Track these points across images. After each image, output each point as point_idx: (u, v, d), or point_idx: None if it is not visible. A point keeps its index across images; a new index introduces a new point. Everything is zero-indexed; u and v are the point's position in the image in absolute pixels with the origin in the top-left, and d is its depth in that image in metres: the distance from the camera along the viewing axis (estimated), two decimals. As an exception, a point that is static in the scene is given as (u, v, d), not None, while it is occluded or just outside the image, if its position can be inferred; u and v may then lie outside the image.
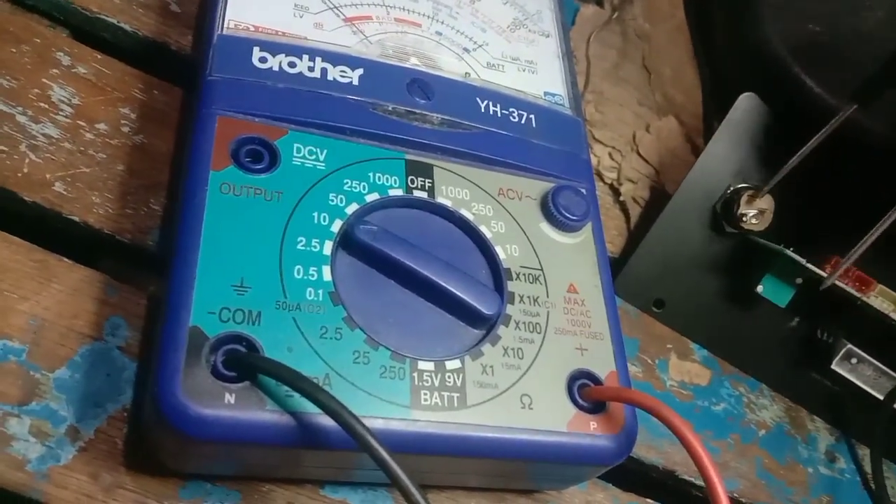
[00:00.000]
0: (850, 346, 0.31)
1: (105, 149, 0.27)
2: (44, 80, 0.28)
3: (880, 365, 0.31)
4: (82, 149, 0.27)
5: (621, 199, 0.35)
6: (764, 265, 0.31)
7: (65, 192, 0.26)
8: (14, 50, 0.28)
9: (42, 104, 0.27)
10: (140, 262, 0.26)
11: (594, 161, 0.35)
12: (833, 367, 0.31)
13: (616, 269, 0.33)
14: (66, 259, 0.25)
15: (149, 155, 0.28)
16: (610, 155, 0.36)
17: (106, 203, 0.26)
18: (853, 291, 0.29)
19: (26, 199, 0.25)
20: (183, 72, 0.30)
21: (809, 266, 0.30)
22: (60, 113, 0.27)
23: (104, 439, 0.23)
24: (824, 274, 0.29)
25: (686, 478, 0.30)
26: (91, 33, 0.31)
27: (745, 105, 0.31)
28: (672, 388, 0.32)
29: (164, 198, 0.27)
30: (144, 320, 0.25)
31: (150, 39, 0.30)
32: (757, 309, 0.32)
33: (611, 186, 0.35)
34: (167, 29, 0.31)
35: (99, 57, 0.29)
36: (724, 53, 0.40)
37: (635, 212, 0.35)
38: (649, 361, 0.32)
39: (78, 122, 0.27)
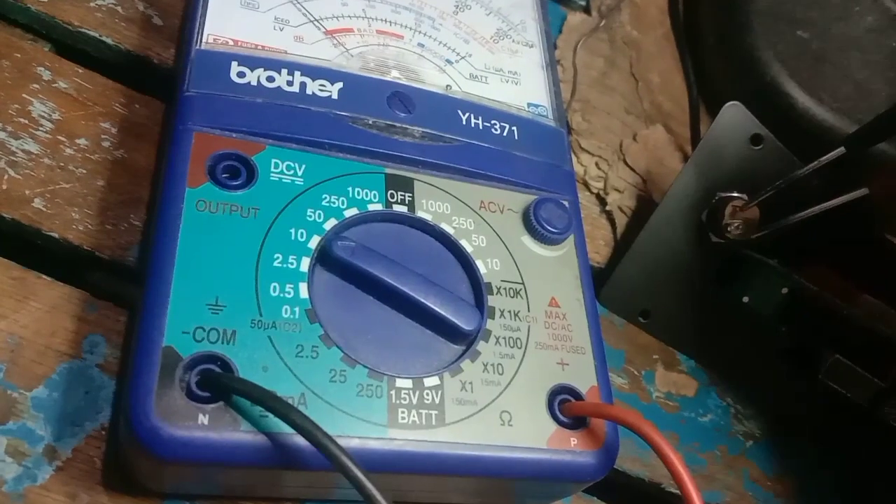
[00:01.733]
0: (837, 356, 0.31)
1: (85, 164, 0.27)
2: (24, 95, 0.28)
3: (867, 375, 0.31)
4: (62, 164, 0.27)
5: (608, 208, 0.35)
6: (750, 275, 0.31)
7: (44, 209, 0.26)
8: (-7, 65, 0.28)
9: (22, 119, 0.27)
10: (120, 278, 0.26)
11: (581, 170, 0.35)
12: (820, 377, 0.31)
13: (603, 279, 0.33)
14: (45, 276, 0.25)
15: (129, 170, 0.28)
16: (597, 164, 0.35)
17: (86, 219, 0.26)
18: (839, 302, 0.29)
19: (5, 215, 0.25)
20: (165, 85, 0.30)
21: (795, 276, 0.29)
22: (40, 128, 0.27)
23: (82, 459, 0.23)
24: (813, 287, 0.29)
25: (672, 490, 0.30)
26: (73, 47, 0.30)
27: (730, 114, 0.31)
28: (658, 400, 0.31)
29: (145, 213, 0.27)
30: (123, 337, 0.25)
31: (132, 53, 0.30)
32: (743, 319, 0.32)
33: (597, 196, 0.35)
34: (149, 42, 0.31)
35: (80, 71, 0.29)
36: (712, 60, 0.40)
37: (622, 221, 0.34)
38: (635, 372, 0.32)
39: (58, 137, 0.27)
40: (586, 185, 0.35)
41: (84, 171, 0.27)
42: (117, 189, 0.27)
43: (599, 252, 0.34)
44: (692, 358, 0.33)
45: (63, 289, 0.25)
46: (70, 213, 0.26)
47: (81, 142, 0.28)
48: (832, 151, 0.27)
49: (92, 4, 0.31)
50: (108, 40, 0.30)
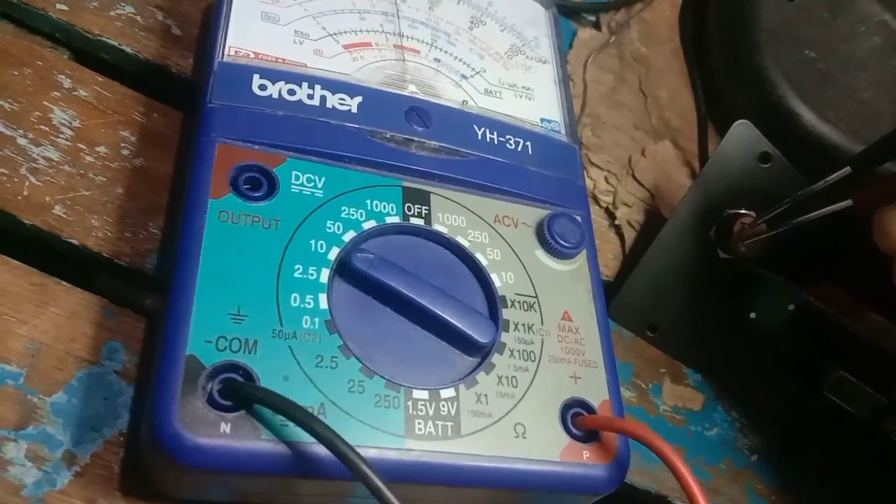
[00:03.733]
0: (842, 371, 0.31)
1: (105, 172, 0.27)
2: (45, 102, 0.28)
3: (871, 391, 0.31)
4: (82, 172, 0.27)
5: (616, 222, 0.35)
6: (757, 291, 0.31)
7: (64, 216, 0.26)
8: (16, 73, 0.28)
9: (43, 127, 0.27)
10: (138, 284, 0.26)
11: (590, 185, 0.36)
12: (825, 392, 0.32)
13: (612, 293, 0.33)
14: (64, 282, 0.25)
15: (148, 178, 0.28)
16: (606, 179, 0.36)
17: (105, 226, 0.27)
18: (844, 318, 0.29)
19: (26, 221, 0.26)
20: (183, 95, 0.30)
21: (802, 293, 0.30)
22: (61, 136, 0.28)
23: (100, 464, 0.23)
24: (820, 304, 0.29)
25: (679, 503, 0.30)
26: (93, 55, 0.31)
27: (739, 133, 0.31)
28: (665, 413, 0.32)
29: (163, 221, 0.27)
30: (142, 344, 0.25)
31: (150, 62, 0.31)
32: (750, 334, 0.32)
33: (606, 210, 0.35)
34: (168, 52, 0.31)
35: (100, 80, 0.29)
36: (720, 77, 0.41)
37: (630, 236, 0.35)
38: (643, 386, 0.32)
39: (78, 144, 0.28)
40: (596, 200, 0.36)
41: (104, 179, 0.27)
42: (136, 197, 0.27)
43: (608, 266, 0.34)
44: (699, 372, 0.33)
45: (83, 295, 0.25)
46: (90, 219, 0.26)
47: (101, 149, 0.28)
48: (838, 171, 0.28)
49: (112, 13, 0.31)
50: (128, 49, 0.31)
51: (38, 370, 0.24)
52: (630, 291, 0.33)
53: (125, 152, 0.28)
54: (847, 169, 0.27)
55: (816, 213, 0.28)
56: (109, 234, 0.27)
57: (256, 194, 0.24)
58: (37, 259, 0.26)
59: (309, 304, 0.22)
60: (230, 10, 0.27)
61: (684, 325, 0.33)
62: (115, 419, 0.24)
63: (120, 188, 0.27)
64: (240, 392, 0.20)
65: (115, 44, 0.31)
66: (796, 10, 0.40)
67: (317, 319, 0.22)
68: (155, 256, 0.27)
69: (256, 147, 0.24)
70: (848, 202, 0.27)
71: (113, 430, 0.24)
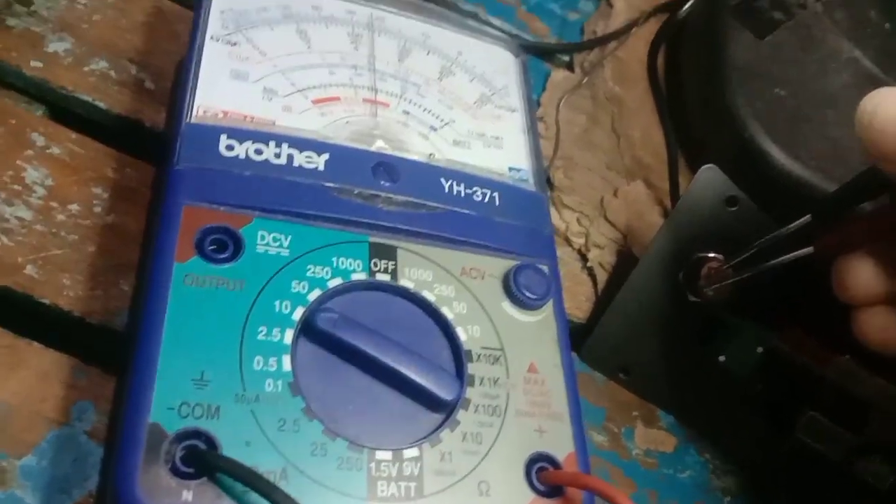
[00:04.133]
0: (812, 413, 0.32)
1: (76, 229, 0.28)
2: (18, 161, 0.28)
3: (842, 431, 0.32)
4: (54, 230, 0.28)
5: (589, 264, 0.35)
6: (726, 335, 0.32)
7: (36, 276, 0.27)
8: (-10, 133, 0.28)
9: (16, 186, 0.28)
10: (108, 343, 0.27)
11: (563, 226, 0.36)
12: (797, 433, 0.32)
13: (584, 335, 0.33)
14: (35, 343, 0.26)
15: (119, 234, 0.28)
16: (578, 220, 0.36)
17: (76, 285, 0.27)
18: (812, 363, 0.30)
19: (-3, 283, 0.26)
20: (156, 149, 0.30)
21: (770, 337, 0.30)
22: (34, 195, 0.28)
23: (69, 527, 0.23)
24: (787, 348, 0.30)
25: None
26: (67, 111, 0.31)
27: (706, 177, 0.32)
28: (637, 457, 0.32)
29: (134, 278, 0.28)
30: (112, 403, 0.25)
31: (123, 117, 0.31)
32: (721, 377, 0.32)
33: (579, 252, 0.36)
34: (141, 106, 0.32)
35: (73, 136, 0.30)
36: (694, 116, 0.41)
37: (602, 278, 0.35)
38: (615, 430, 0.32)
39: (51, 203, 0.28)
40: (568, 241, 0.36)
41: (75, 237, 0.28)
42: (107, 254, 0.28)
43: (581, 308, 0.35)
44: (671, 414, 0.33)
45: (53, 355, 0.26)
46: (61, 279, 0.27)
47: (73, 207, 0.28)
48: (802, 217, 0.28)
49: (85, 69, 0.32)
50: (101, 104, 0.31)
51: (8, 433, 0.24)
52: (602, 334, 0.33)
53: (97, 209, 0.29)
54: (808, 217, 0.27)
55: (780, 259, 0.28)
56: (80, 292, 0.27)
57: (222, 256, 0.24)
58: (8, 319, 0.26)
59: (272, 366, 0.23)
60: (199, 69, 0.28)
61: (656, 368, 0.33)
62: (85, 480, 0.24)
63: (91, 246, 0.28)
64: (202, 460, 0.21)
65: (89, 99, 0.31)
66: (767, 48, 0.41)
67: (280, 382, 0.23)
68: (125, 314, 0.27)
69: (223, 208, 0.25)
70: (809, 249, 0.27)
71: (83, 492, 0.24)
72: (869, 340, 0.26)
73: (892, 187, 0.24)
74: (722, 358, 0.32)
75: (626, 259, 0.36)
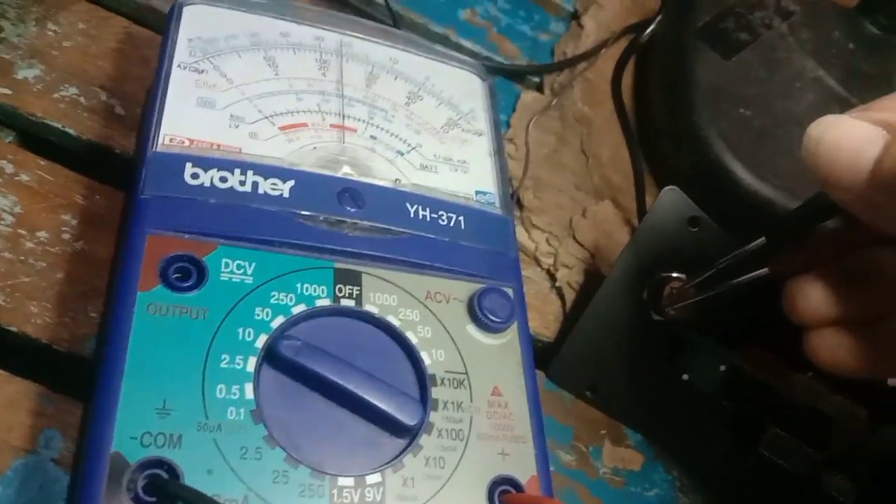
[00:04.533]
0: (775, 429, 0.32)
1: (45, 257, 0.28)
2: (-14, 189, 0.29)
3: (806, 447, 0.32)
4: (22, 258, 0.28)
5: (557, 284, 0.36)
6: (690, 353, 0.32)
7: (4, 303, 0.27)
8: (-43, 163, 0.29)
9: (-16, 214, 0.28)
10: (76, 369, 0.27)
11: (532, 247, 0.37)
12: (761, 449, 0.32)
13: (552, 355, 0.34)
14: (2, 371, 0.26)
15: (88, 261, 0.29)
16: (547, 241, 0.37)
17: (44, 312, 0.27)
18: (773, 381, 0.30)
19: (-36, 312, 0.26)
20: (126, 175, 0.31)
21: (732, 355, 0.31)
22: (2, 222, 0.28)
23: (34, 556, 0.23)
24: (748, 367, 0.30)
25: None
26: (37, 137, 0.32)
27: (668, 198, 0.32)
28: (605, 475, 0.32)
29: (102, 304, 0.28)
30: (79, 431, 0.26)
31: (94, 143, 0.31)
32: (685, 394, 0.33)
33: (548, 272, 0.36)
34: (111, 132, 0.32)
35: (42, 163, 0.30)
36: (661, 136, 0.42)
37: (570, 297, 0.36)
38: (583, 449, 0.33)
39: (19, 230, 0.28)
40: (537, 261, 0.36)
41: (44, 265, 0.28)
42: (76, 281, 0.28)
43: (549, 328, 0.35)
44: (638, 432, 0.34)
45: (21, 384, 0.26)
46: (29, 306, 0.27)
47: (42, 234, 0.29)
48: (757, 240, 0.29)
49: (55, 95, 0.32)
50: (71, 131, 0.31)
51: (-27, 463, 0.24)
52: (568, 353, 0.33)
53: (66, 236, 0.29)
54: (762, 239, 0.28)
55: (738, 280, 0.29)
56: (48, 319, 0.27)
57: (185, 284, 0.24)
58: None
59: (235, 394, 0.23)
60: (165, 97, 0.28)
61: (622, 386, 0.34)
62: (50, 508, 0.24)
63: (60, 273, 0.28)
64: (164, 489, 0.21)
65: (59, 126, 0.31)
66: (733, 69, 0.42)
67: (242, 410, 0.23)
68: (93, 340, 0.27)
69: (187, 236, 0.25)
70: (764, 270, 0.28)
71: (48, 519, 0.24)
72: (820, 361, 0.26)
73: (840, 212, 0.25)
74: (686, 376, 0.32)
75: (593, 278, 0.36)
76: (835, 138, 0.22)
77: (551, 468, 0.27)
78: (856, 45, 0.45)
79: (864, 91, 0.43)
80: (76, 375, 0.26)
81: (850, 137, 0.22)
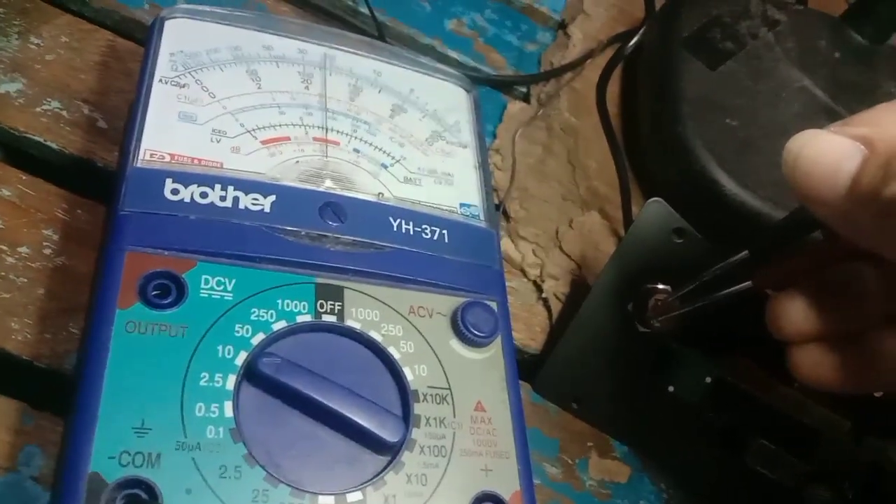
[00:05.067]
0: (761, 441, 0.32)
1: (26, 273, 0.28)
2: (-33, 205, 0.28)
3: (792, 458, 0.32)
4: (3, 274, 0.28)
5: (543, 295, 0.36)
6: (675, 364, 0.32)
7: (-17, 320, 0.27)
8: (-62, 177, 0.28)
9: (-36, 230, 0.28)
10: (57, 386, 0.27)
11: (518, 257, 0.37)
12: (747, 461, 0.32)
13: (539, 366, 0.34)
14: (-19, 389, 0.26)
15: (69, 277, 0.28)
16: (534, 251, 0.37)
17: (25, 328, 0.27)
18: (758, 392, 0.30)
19: (-56, 329, 0.26)
20: (108, 188, 0.30)
21: (716, 367, 0.31)
22: (-18, 238, 0.28)
23: (12, 575, 0.23)
24: (733, 379, 0.30)
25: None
26: (19, 151, 0.31)
27: (652, 210, 0.32)
28: (591, 488, 0.32)
29: (83, 320, 0.28)
30: (59, 447, 0.26)
31: (76, 157, 0.31)
32: (671, 406, 0.33)
33: (534, 283, 0.36)
34: (93, 146, 0.32)
35: (24, 178, 0.30)
36: (648, 147, 0.42)
37: (557, 308, 0.36)
38: (569, 461, 0.33)
39: (0, 246, 0.28)
40: (524, 272, 0.36)
41: (25, 280, 0.28)
42: (57, 297, 0.28)
43: (536, 339, 0.35)
44: (624, 444, 0.34)
45: (1, 401, 0.26)
46: (10, 322, 0.27)
47: (23, 250, 0.28)
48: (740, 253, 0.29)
49: (38, 109, 0.32)
50: (53, 145, 0.31)
51: (-49, 482, 0.24)
52: (554, 365, 0.33)
53: (47, 251, 0.29)
54: (745, 253, 0.28)
55: (722, 293, 0.29)
56: (29, 336, 0.27)
57: (165, 301, 0.24)
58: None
59: (214, 413, 0.23)
60: (146, 112, 0.28)
61: (608, 397, 0.34)
62: (29, 527, 0.24)
63: (41, 289, 0.28)
64: (140, 509, 0.21)
65: (41, 140, 0.31)
66: (719, 79, 0.42)
67: (221, 429, 0.23)
68: (74, 357, 0.27)
69: (167, 253, 0.25)
70: (748, 283, 0.28)
71: (26, 539, 0.24)
72: (802, 377, 0.26)
73: (820, 226, 0.25)
74: (671, 388, 0.32)
75: (580, 289, 0.36)
76: (813, 153, 0.22)
77: (537, 481, 0.27)
78: (842, 54, 0.45)
79: (851, 101, 0.43)
80: (57, 392, 0.26)
81: (828, 153, 0.22)
